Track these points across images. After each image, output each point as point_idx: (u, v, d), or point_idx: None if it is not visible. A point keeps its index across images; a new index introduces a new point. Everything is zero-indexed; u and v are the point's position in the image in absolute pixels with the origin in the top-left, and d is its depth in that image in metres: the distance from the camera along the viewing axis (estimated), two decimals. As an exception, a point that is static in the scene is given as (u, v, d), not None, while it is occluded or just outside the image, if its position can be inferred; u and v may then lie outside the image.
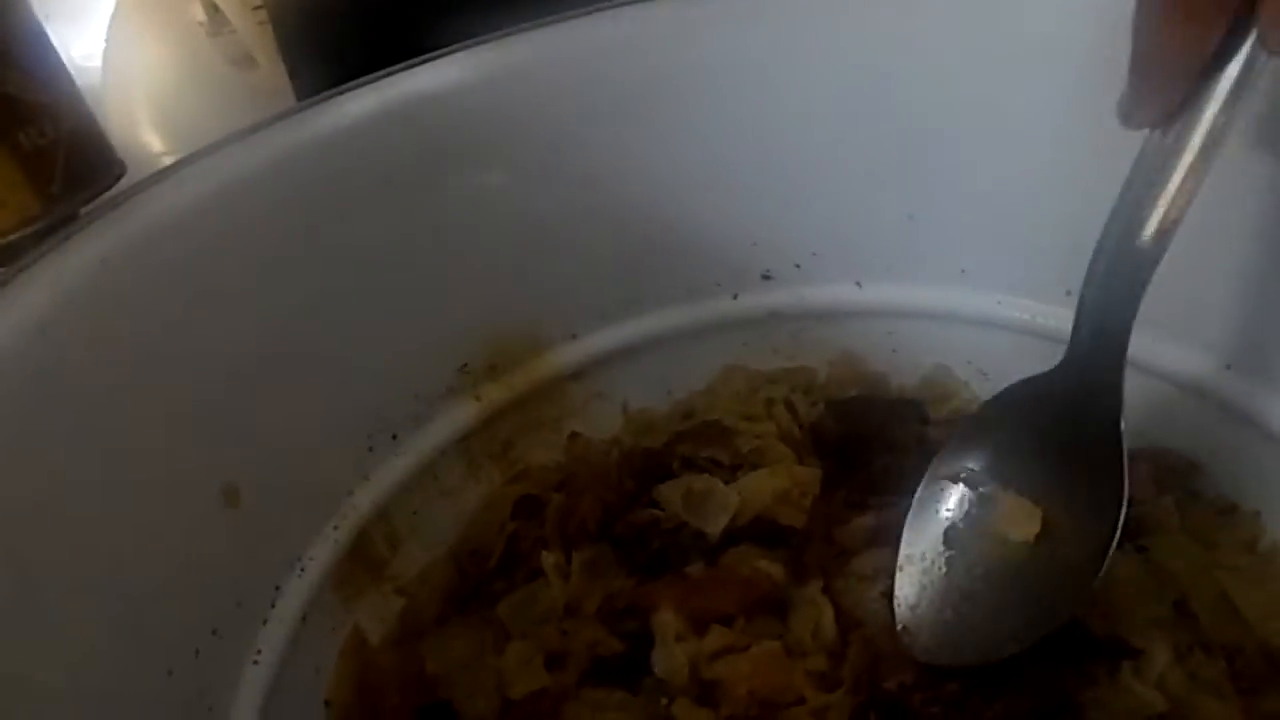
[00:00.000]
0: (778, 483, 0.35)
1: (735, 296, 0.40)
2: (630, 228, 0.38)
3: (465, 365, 0.37)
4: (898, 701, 0.28)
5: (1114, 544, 0.27)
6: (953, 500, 0.30)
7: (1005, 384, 0.38)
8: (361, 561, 0.34)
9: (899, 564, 0.30)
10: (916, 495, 0.30)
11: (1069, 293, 0.35)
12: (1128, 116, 0.26)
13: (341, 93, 0.34)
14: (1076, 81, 0.32)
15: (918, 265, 0.38)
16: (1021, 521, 0.28)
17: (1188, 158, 0.25)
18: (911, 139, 0.35)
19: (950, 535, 0.29)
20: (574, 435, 0.41)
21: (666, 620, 0.32)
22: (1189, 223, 0.29)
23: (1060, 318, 0.36)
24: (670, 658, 0.31)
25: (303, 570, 0.31)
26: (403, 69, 0.35)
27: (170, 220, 0.27)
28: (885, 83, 0.34)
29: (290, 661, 0.29)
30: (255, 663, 0.28)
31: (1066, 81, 0.32)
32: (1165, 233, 0.26)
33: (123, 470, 0.24)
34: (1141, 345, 0.33)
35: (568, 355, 0.39)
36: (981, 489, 0.29)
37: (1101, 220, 0.33)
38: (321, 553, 0.32)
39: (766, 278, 0.40)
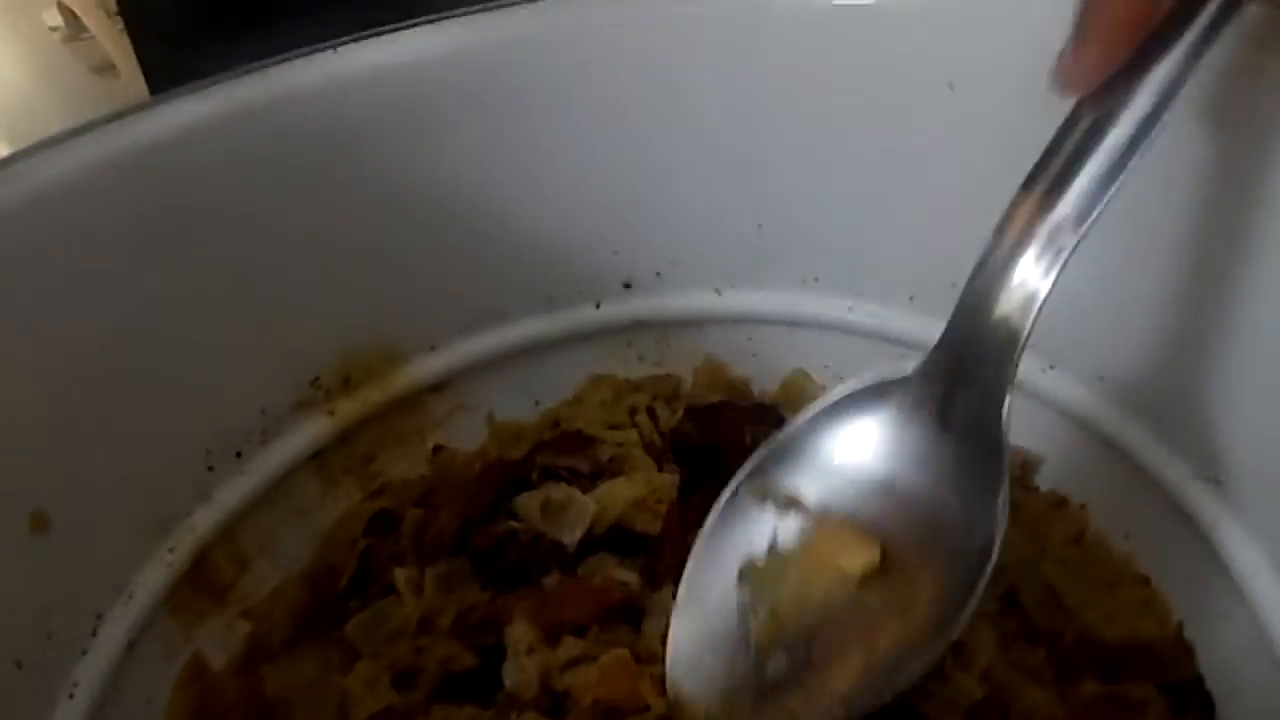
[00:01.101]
0: (635, 490, 0.35)
1: (598, 305, 0.40)
2: (488, 237, 0.38)
3: (317, 379, 0.36)
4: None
5: (978, 592, 0.22)
6: (758, 525, 0.25)
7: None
8: (202, 585, 0.33)
9: (676, 601, 0.24)
10: (710, 518, 0.25)
11: (912, 298, 0.37)
12: (1066, 76, 0.22)
13: (188, 93, 0.33)
14: (921, 89, 0.33)
15: (771, 272, 0.39)
16: (850, 555, 0.23)
17: (1121, 130, 0.21)
18: (757, 150, 0.36)
19: (748, 571, 0.24)
20: (438, 448, 0.41)
21: (519, 633, 0.32)
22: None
23: (905, 323, 0.37)
24: (520, 670, 0.31)
25: (130, 597, 0.29)
26: (254, 69, 0.34)
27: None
28: (730, 94, 0.35)
29: (114, 694, 0.28)
30: (70, 696, 0.27)
31: (910, 92, 0.33)
32: (1082, 217, 0.23)
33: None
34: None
35: (427, 367, 0.39)
36: (796, 512, 0.24)
37: (944, 230, 0.34)
38: (153, 578, 0.30)
39: (628, 286, 0.40)
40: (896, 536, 0.24)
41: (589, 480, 0.37)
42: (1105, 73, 0.22)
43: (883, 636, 0.23)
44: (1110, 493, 0.32)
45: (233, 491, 0.33)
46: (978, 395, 0.24)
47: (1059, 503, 0.34)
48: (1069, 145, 0.23)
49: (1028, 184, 0.23)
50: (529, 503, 0.35)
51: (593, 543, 0.35)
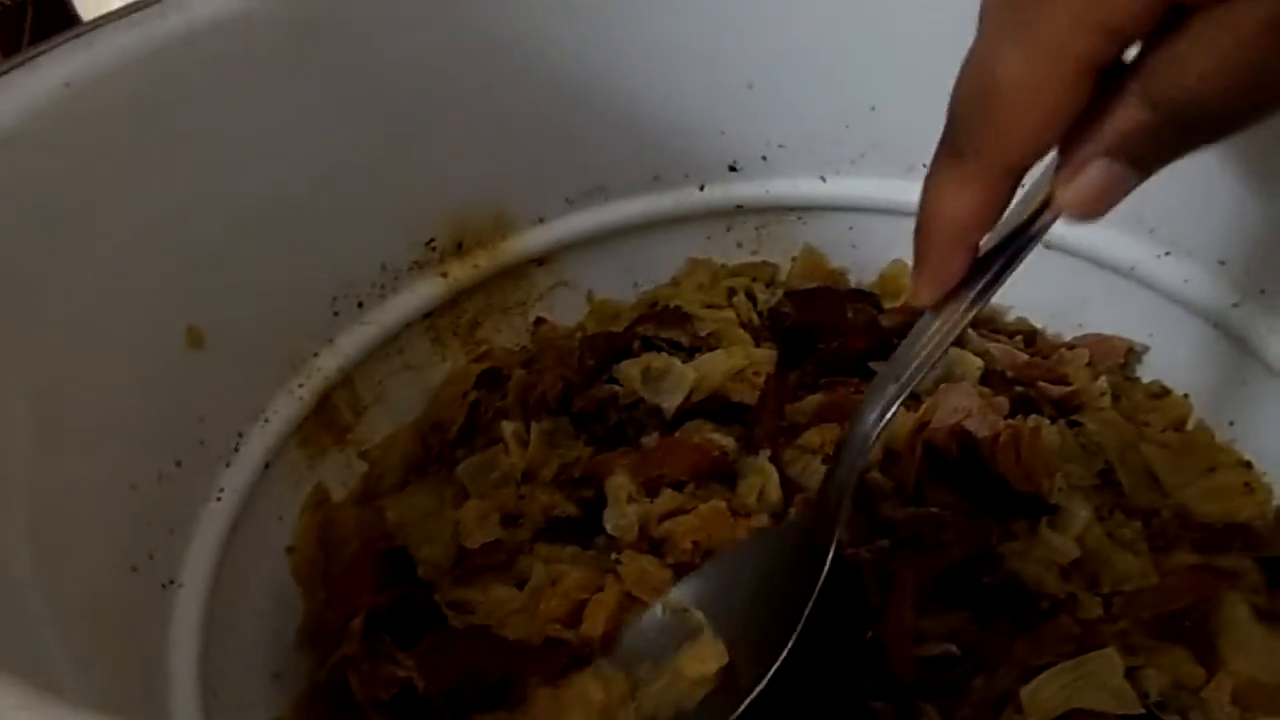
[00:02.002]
0: (733, 362, 0.36)
1: (702, 188, 0.41)
2: (598, 113, 0.38)
3: (432, 241, 0.38)
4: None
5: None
6: (650, 620, 0.29)
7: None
8: (326, 423, 0.35)
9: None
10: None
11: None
12: (911, 294, 0.24)
13: None
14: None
15: (880, 158, 0.38)
16: (702, 659, 0.27)
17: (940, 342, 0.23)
18: (870, 28, 0.35)
19: (633, 650, 0.28)
20: (539, 321, 0.42)
21: (620, 483, 0.33)
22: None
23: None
24: (621, 515, 0.32)
25: (266, 421, 0.32)
26: None
27: (142, 53, 0.27)
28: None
29: (252, 506, 0.30)
30: (218, 499, 0.29)
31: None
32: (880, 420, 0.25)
33: (86, 290, 0.25)
34: (1084, 234, 0.34)
35: (534, 239, 0.40)
36: (677, 616, 0.28)
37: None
38: (285, 408, 0.32)
39: (733, 169, 0.41)
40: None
41: (688, 353, 0.38)
42: (941, 290, 0.23)
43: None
44: (1217, 381, 0.32)
45: (353, 339, 0.35)
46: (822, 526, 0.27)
47: (1161, 393, 0.34)
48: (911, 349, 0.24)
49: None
50: (630, 369, 0.36)
51: (690, 410, 0.36)
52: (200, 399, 0.29)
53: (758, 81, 0.38)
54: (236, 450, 0.30)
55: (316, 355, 0.34)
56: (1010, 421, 0.30)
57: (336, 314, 0.35)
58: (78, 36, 0.25)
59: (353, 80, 0.33)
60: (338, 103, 0.33)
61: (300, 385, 0.33)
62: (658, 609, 0.29)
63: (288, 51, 0.31)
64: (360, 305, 0.36)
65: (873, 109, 0.37)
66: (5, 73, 0.23)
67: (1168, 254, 0.32)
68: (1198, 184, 0.31)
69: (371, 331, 0.36)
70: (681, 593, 0.29)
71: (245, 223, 0.30)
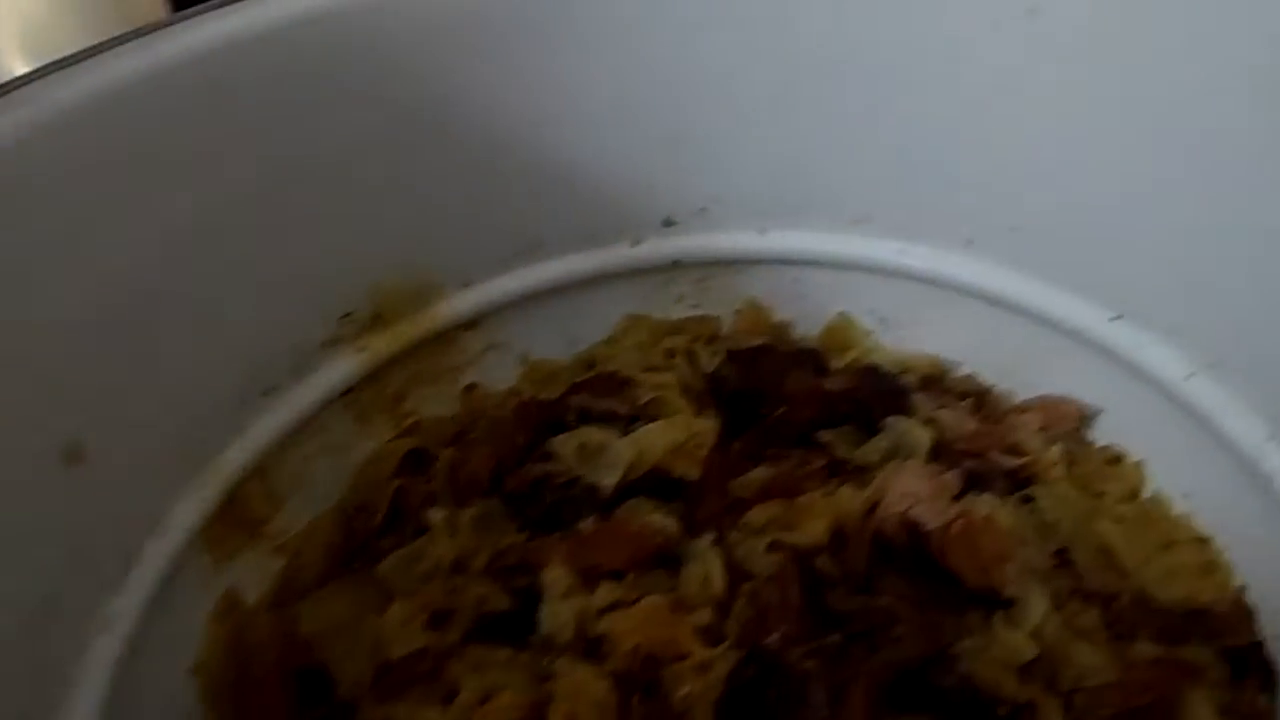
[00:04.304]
0: (674, 435, 0.34)
1: (636, 243, 0.39)
2: (525, 170, 0.36)
3: (348, 314, 0.35)
4: (778, 655, 0.27)
5: None
6: None
7: (907, 333, 0.38)
8: (236, 520, 0.32)
9: None
10: None
11: (970, 242, 0.35)
12: None
13: (210, 11, 0.31)
14: (978, 26, 0.31)
15: (819, 212, 0.37)
16: None
17: None
18: (803, 81, 0.34)
19: None
20: (470, 387, 0.40)
21: (556, 576, 0.31)
22: (1072, 173, 0.29)
23: (961, 267, 0.36)
24: (557, 614, 0.30)
25: (165, 532, 0.29)
26: None
27: (21, 137, 0.24)
28: (774, 22, 0.33)
29: (149, 629, 0.28)
30: (107, 631, 0.26)
31: (972, 25, 0.31)
32: None
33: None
34: (1034, 294, 0.33)
35: (461, 303, 0.38)
36: None
37: (1006, 169, 0.33)
38: (187, 513, 0.30)
39: (669, 224, 0.39)
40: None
41: (626, 423, 0.36)
42: None
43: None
44: (1172, 449, 0.31)
45: (265, 427, 0.33)
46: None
47: (1115, 459, 0.32)
48: None
49: None
50: (565, 445, 0.34)
51: (630, 487, 0.34)
52: (84, 520, 0.26)
53: (686, 135, 0.36)
54: (129, 569, 0.28)
55: (222, 450, 0.32)
56: (962, 506, 0.29)
57: (244, 403, 0.32)
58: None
59: (248, 145, 0.31)
60: (231, 170, 0.31)
61: (203, 486, 0.31)
62: None
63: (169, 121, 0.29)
64: (271, 390, 0.33)
65: (807, 163, 0.36)
66: None
67: (1119, 318, 0.31)
68: (1150, 248, 0.30)
69: (285, 416, 0.34)
70: None
71: (127, 316, 0.28)
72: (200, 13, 0.31)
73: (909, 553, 0.28)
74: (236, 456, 0.32)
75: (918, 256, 0.36)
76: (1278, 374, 0.27)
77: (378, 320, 0.36)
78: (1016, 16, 0.29)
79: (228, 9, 0.31)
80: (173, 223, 0.29)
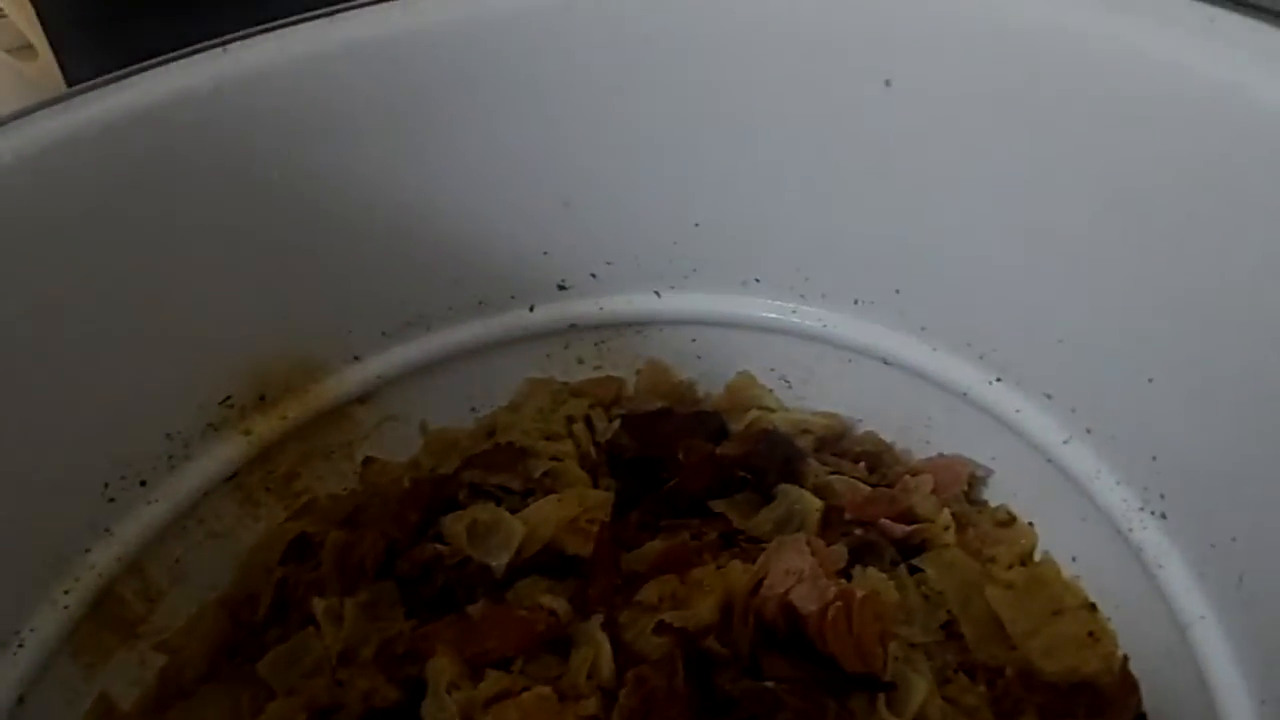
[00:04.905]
0: (566, 510, 0.34)
1: (532, 309, 0.38)
2: (410, 240, 0.35)
3: (228, 398, 0.34)
4: (660, 748, 0.27)
5: None
6: None
7: (808, 390, 0.38)
8: (108, 622, 0.31)
9: None
10: None
11: (857, 302, 0.35)
12: None
13: (85, 93, 0.30)
14: (849, 98, 0.30)
15: (712, 273, 0.36)
16: None
17: None
18: (689, 147, 0.33)
19: None
20: (368, 460, 0.39)
21: (441, 667, 0.30)
22: (947, 239, 0.28)
23: (851, 327, 0.35)
24: (441, 709, 0.29)
25: (20, 646, 0.28)
26: (154, 65, 0.31)
27: None
28: (660, 90, 0.33)
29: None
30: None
31: (847, 90, 0.31)
32: None
33: None
34: (920, 355, 0.33)
35: (351, 379, 0.37)
36: None
37: (887, 235, 0.32)
38: (46, 623, 0.29)
39: (563, 288, 0.38)
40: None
41: (520, 497, 0.35)
42: None
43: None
44: (1058, 512, 0.30)
45: (137, 522, 0.32)
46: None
47: (1008, 520, 0.32)
48: None
49: None
50: (455, 525, 0.33)
51: (523, 565, 0.33)
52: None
53: (575, 199, 0.35)
54: (-19, 690, 0.27)
55: (86, 552, 0.30)
56: (842, 586, 0.28)
57: (112, 500, 0.31)
58: None
59: (104, 224, 0.29)
60: (98, 251, 0.30)
61: (66, 592, 0.29)
62: None
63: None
64: (143, 483, 0.32)
65: (697, 225, 0.35)
66: None
67: (998, 380, 0.31)
68: (1023, 314, 0.30)
69: (160, 510, 0.32)
70: None
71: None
72: (74, 95, 0.30)
73: (790, 637, 0.28)
74: (104, 556, 0.31)
75: (808, 316, 0.36)
76: (1149, 443, 0.26)
77: (262, 402, 0.35)
78: (876, 88, 0.29)
79: (98, 93, 0.30)
80: (29, 307, 0.28)
